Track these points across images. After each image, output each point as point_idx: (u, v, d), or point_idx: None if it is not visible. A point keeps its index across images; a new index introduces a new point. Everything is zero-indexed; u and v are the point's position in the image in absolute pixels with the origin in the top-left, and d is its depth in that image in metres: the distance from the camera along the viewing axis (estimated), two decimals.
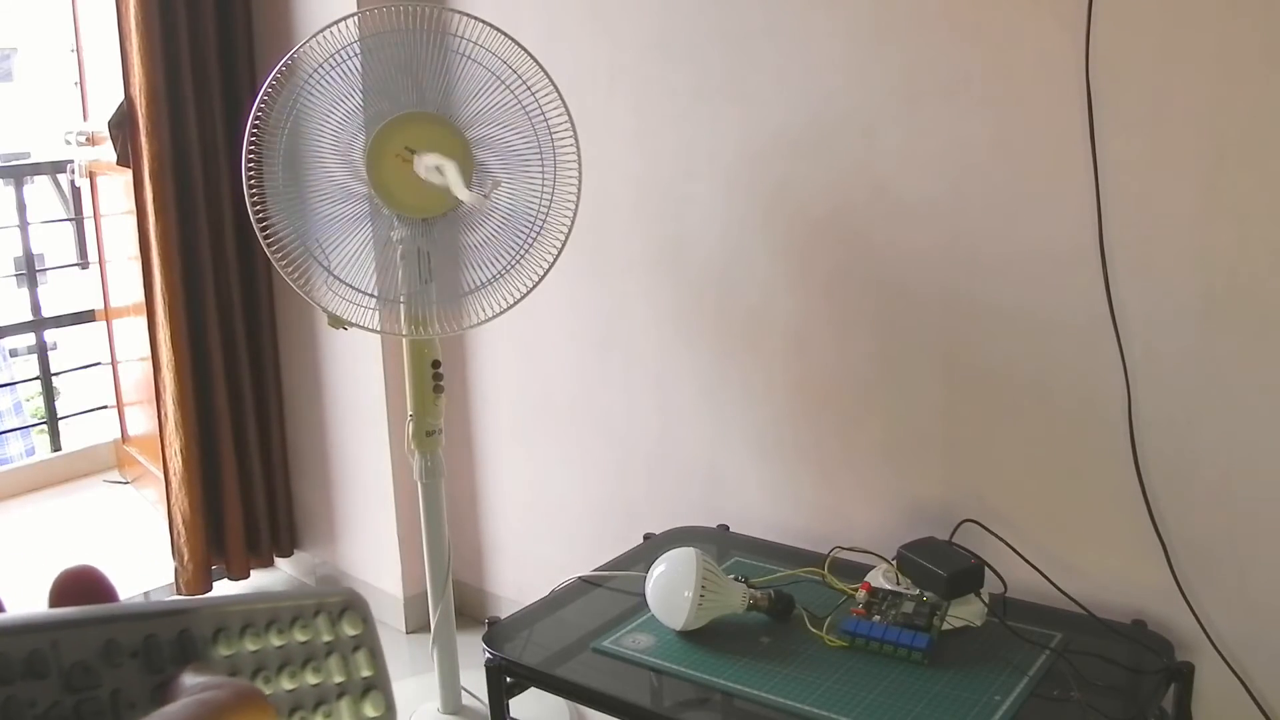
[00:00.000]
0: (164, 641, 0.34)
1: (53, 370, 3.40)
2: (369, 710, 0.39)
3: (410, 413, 1.94)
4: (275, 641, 0.37)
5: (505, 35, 1.71)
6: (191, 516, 2.53)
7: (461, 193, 1.64)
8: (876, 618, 1.48)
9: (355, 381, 2.49)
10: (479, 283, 1.81)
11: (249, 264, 2.56)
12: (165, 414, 2.50)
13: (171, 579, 2.61)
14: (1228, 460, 1.49)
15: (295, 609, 0.38)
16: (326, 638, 0.39)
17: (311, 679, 0.38)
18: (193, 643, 0.35)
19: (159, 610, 0.34)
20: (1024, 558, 1.61)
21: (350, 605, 0.40)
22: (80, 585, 0.36)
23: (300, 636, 0.38)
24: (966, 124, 1.63)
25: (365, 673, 0.39)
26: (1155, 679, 1.41)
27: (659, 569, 1.55)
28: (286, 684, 0.37)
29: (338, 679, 0.38)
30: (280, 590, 0.39)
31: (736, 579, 1.59)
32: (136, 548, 2.89)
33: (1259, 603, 1.50)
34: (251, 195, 1.70)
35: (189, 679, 0.33)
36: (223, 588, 2.70)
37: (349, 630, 0.39)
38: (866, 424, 1.84)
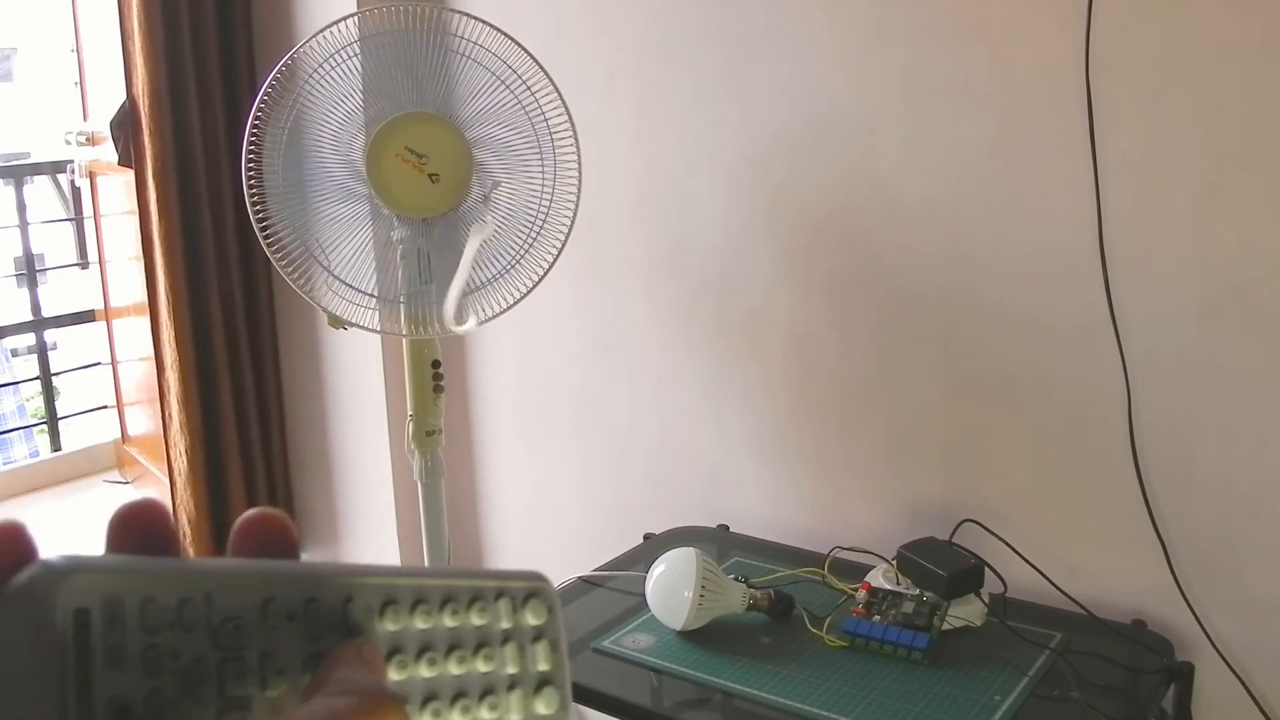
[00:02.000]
0: (326, 608, 0.31)
1: (53, 370, 3.40)
2: (540, 708, 0.36)
3: (410, 413, 1.94)
4: (448, 622, 0.34)
5: (505, 35, 1.71)
6: (197, 518, 2.53)
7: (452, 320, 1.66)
8: (876, 618, 1.48)
9: (355, 381, 2.49)
10: (479, 283, 1.81)
11: (249, 264, 2.56)
12: (170, 415, 2.50)
13: None
14: (1228, 460, 1.49)
15: (475, 589, 0.35)
16: (505, 624, 0.35)
17: (482, 666, 0.34)
18: (357, 613, 0.32)
19: (326, 573, 0.32)
20: (1024, 558, 1.61)
21: (537, 593, 0.37)
22: (262, 534, 0.33)
23: (476, 620, 0.35)
24: (966, 124, 1.63)
25: (543, 666, 0.36)
26: (1155, 679, 1.41)
27: (659, 569, 1.55)
28: (454, 668, 0.34)
29: (511, 670, 0.35)
30: (462, 568, 0.36)
31: (736, 579, 1.59)
32: None
33: (1259, 603, 1.50)
34: (251, 195, 1.70)
35: (339, 670, 0.30)
36: None
37: (531, 619, 0.36)
38: (867, 424, 1.84)
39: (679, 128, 1.96)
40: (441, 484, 2.00)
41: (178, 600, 0.28)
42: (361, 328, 1.79)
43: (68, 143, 2.89)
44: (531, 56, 1.72)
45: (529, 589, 0.36)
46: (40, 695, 0.26)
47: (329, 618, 0.31)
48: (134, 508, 0.31)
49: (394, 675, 0.33)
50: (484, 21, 1.71)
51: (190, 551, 2.56)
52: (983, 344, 1.68)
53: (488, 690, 0.34)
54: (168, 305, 2.44)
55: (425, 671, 0.33)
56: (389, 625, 0.32)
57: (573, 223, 1.77)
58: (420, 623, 0.33)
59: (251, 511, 0.33)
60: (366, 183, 1.73)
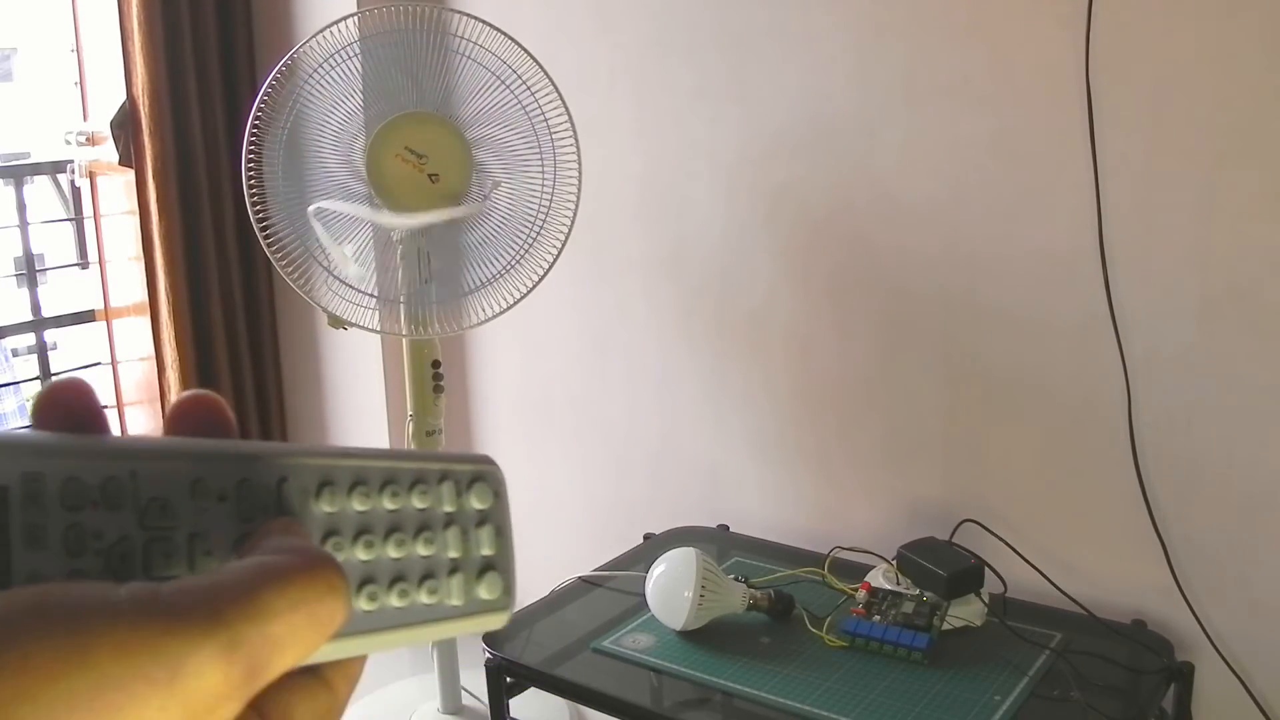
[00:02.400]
0: (259, 488, 0.30)
1: (53, 370, 3.39)
2: (483, 592, 0.34)
3: (410, 413, 1.94)
4: (388, 504, 0.32)
5: (505, 35, 1.71)
6: None
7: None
8: (876, 618, 1.48)
9: (355, 381, 2.49)
10: (479, 283, 1.81)
11: (249, 264, 2.56)
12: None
13: None
14: (1228, 460, 1.49)
15: (417, 471, 0.33)
16: (448, 508, 0.34)
17: (422, 550, 0.33)
18: (291, 494, 0.31)
19: (259, 454, 0.30)
20: (1024, 558, 1.61)
21: (483, 476, 0.35)
22: (198, 412, 0.32)
23: (418, 503, 0.33)
24: (966, 124, 1.63)
25: (486, 551, 0.35)
26: (1155, 679, 1.41)
27: (659, 569, 1.55)
28: (392, 552, 0.32)
29: (452, 554, 0.34)
30: (406, 449, 0.35)
31: (736, 579, 1.59)
32: None
33: (1259, 603, 1.50)
34: (251, 195, 1.70)
35: (269, 539, 0.29)
36: None
37: (476, 504, 0.35)
38: (867, 424, 1.83)
39: (679, 128, 1.96)
40: None
41: (102, 478, 0.27)
42: (361, 328, 1.79)
43: (68, 143, 2.89)
44: (531, 56, 1.72)
45: (475, 472, 0.35)
46: None
47: (262, 498, 0.30)
48: (58, 386, 0.30)
49: None
50: (484, 21, 1.71)
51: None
52: (983, 344, 1.68)
53: (427, 574, 0.33)
54: (168, 305, 2.44)
55: (361, 554, 0.32)
56: (324, 507, 0.31)
57: (573, 223, 1.76)
58: (358, 505, 0.32)
59: (186, 392, 0.32)
60: (366, 183, 1.73)
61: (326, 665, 0.30)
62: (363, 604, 0.31)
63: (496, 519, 0.35)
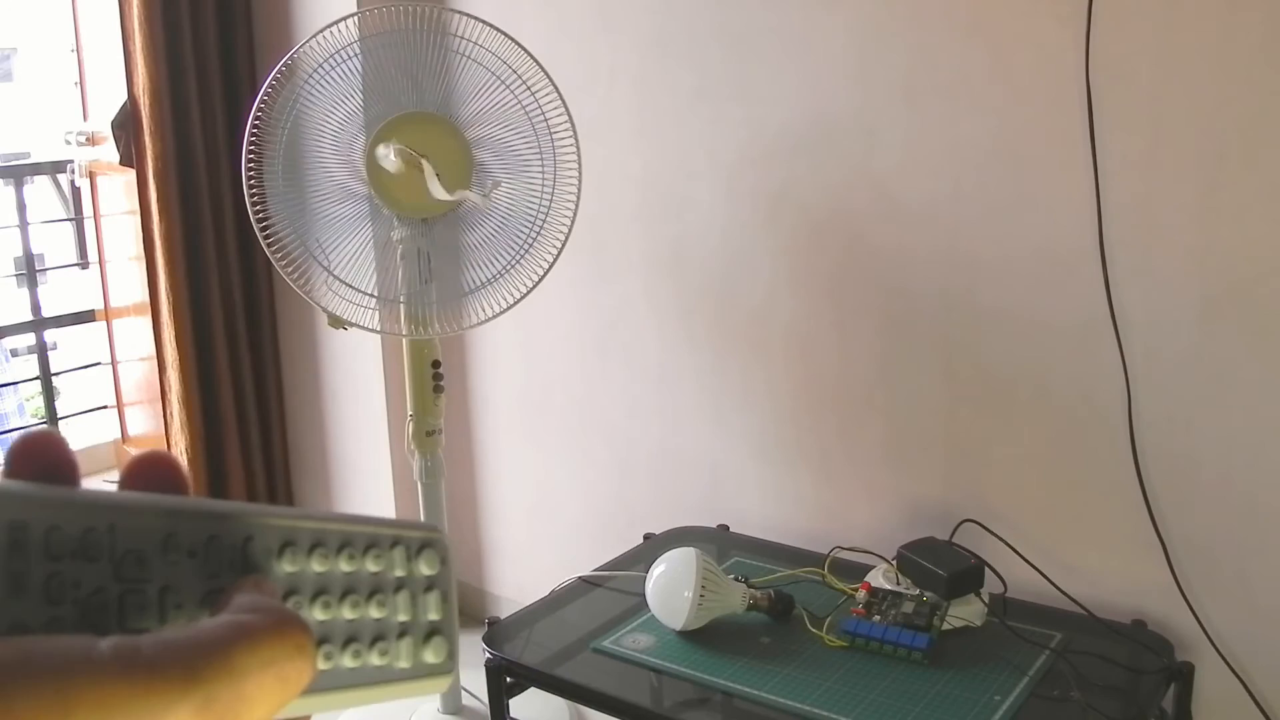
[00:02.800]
0: (226, 546, 0.31)
1: (53, 370, 3.39)
2: (429, 656, 0.36)
3: (410, 413, 1.94)
4: (344, 567, 0.34)
5: (505, 35, 1.71)
6: None
7: (438, 192, 1.64)
8: (876, 618, 1.48)
9: (355, 381, 2.49)
10: (479, 283, 1.81)
11: (249, 264, 2.56)
12: (170, 414, 2.51)
13: None
14: (1228, 460, 1.49)
15: (371, 536, 0.35)
16: (399, 573, 0.36)
17: (375, 613, 0.35)
18: (256, 553, 0.32)
19: (227, 512, 0.32)
20: (1024, 558, 1.61)
21: (430, 543, 0.37)
22: (154, 470, 0.33)
23: (372, 566, 0.35)
24: (966, 124, 1.64)
25: (433, 616, 0.36)
26: (1155, 679, 1.41)
27: (659, 569, 1.55)
28: (347, 613, 0.34)
29: (402, 617, 0.36)
30: (360, 515, 0.36)
31: (736, 579, 1.59)
32: None
33: (1259, 603, 1.50)
34: (251, 195, 1.70)
35: (240, 596, 0.30)
36: None
37: (425, 569, 0.36)
38: (867, 424, 1.84)
39: (680, 128, 1.96)
40: (441, 484, 2.00)
41: (81, 530, 0.28)
42: (361, 328, 1.79)
43: (68, 143, 2.89)
44: (531, 56, 1.72)
45: (424, 539, 0.37)
46: None
47: (228, 555, 0.31)
48: (34, 436, 0.31)
49: None
50: (484, 21, 1.71)
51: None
52: (983, 344, 1.68)
53: (379, 636, 0.35)
54: (168, 304, 2.45)
55: (319, 614, 0.33)
56: (286, 566, 0.33)
57: (573, 223, 1.76)
58: (317, 565, 0.33)
59: (142, 451, 0.33)
60: (366, 183, 1.73)
61: None
62: (319, 663, 0.33)
63: (443, 585, 0.37)
